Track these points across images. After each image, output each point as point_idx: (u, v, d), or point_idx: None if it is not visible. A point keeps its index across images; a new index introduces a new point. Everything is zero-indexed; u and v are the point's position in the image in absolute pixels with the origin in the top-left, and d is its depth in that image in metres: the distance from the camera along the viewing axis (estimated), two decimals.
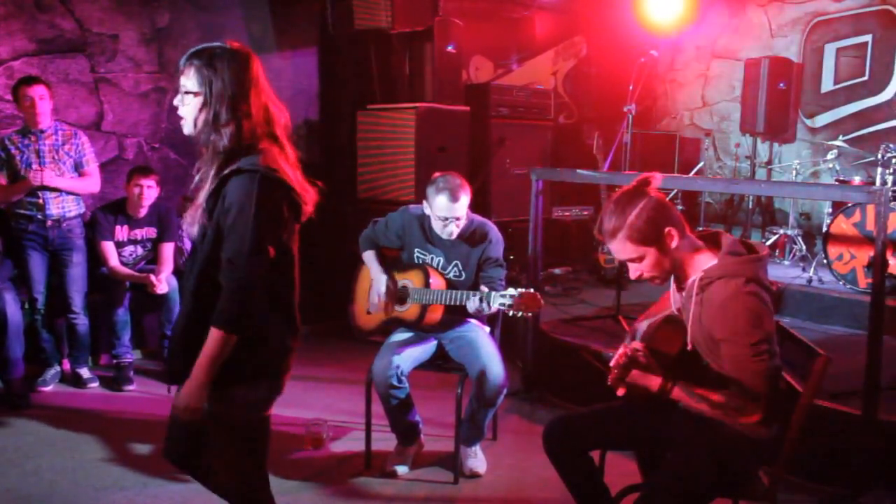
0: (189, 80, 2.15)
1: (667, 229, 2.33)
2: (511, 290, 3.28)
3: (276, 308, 2.23)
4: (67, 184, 4.72)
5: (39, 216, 4.66)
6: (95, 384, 4.91)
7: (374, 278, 3.76)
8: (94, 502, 3.40)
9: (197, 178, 2.20)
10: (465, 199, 3.53)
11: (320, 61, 6.50)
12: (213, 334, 2.10)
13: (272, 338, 2.24)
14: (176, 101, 2.21)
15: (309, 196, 2.25)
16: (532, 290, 3.27)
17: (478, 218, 3.77)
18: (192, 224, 2.19)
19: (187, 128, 2.21)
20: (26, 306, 4.77)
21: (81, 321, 4.87)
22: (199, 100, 2.15)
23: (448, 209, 3.51)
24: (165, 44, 5.67)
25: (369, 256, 3.82)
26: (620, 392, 2.37)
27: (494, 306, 3.33)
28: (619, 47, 7.97)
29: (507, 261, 3.86)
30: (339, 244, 5.77)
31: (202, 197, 2.16)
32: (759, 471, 2.52)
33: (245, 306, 2.10)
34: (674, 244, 2.34)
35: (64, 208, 4.73)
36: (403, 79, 6.25)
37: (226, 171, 2.12)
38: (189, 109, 2.18)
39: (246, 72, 2.16)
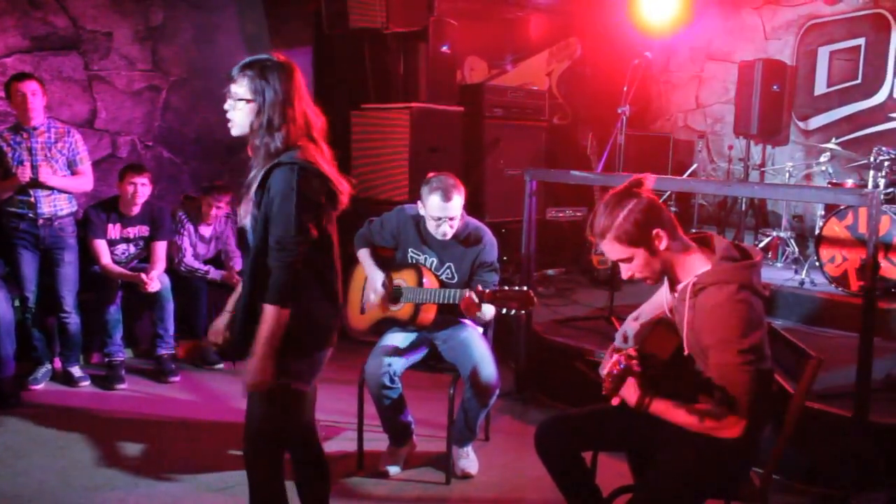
0: (241, 89, 2.42)
1: (655, 231, 2.33)
2: (505, 287, 3.29)
3: (321, 286, 2.50)
4: (60, 182, 4.69)
5: (31, 214, 4.64)
6: (87, 383, 4.89)
7: (368, 276, 3.76)
8: (85, 502, 3.39)
9: (252, 175, 2.45)
10: (458, 199, 3.53)
11: (315, 60, 6.49)
12: (267, 311, 2.35)
13: (318, 313, 2.50)
14: (226, 107, 2.46)
15: (344, 188, 2.50)
16: (525, 288, 3.27)
17: (473, 221, 3.76)
18: (245, 215, 2.47)
19: (237, 130, 2.47)
20: (17, 304, 4.75)
21: (73, 320, 4.85)
22: (252, 106, 2.41)
23: (441, 209, 3.51)
24: (159, 42, 5.66)
25: (364, 255, 3.82)
26: (615, 402, 2.37)
27: (487, 303, 3.32)
28: (613, 49, 7.98)
29: (501, 262, 3.86)
30: None
31: (252, 190, 2.43)
32: (749, 472, 2.52)
33: (292, 282, 2.36)
34: (662, 245, 2.35)
35: (56, 206, 4.71)
36: (398, 79, 6.25)
37: (269, 166, 2.39)
38: (240, 114, 2.44)
39: (292, 81, 2.44)
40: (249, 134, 2.45)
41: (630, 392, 2.35)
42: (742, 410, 2.22)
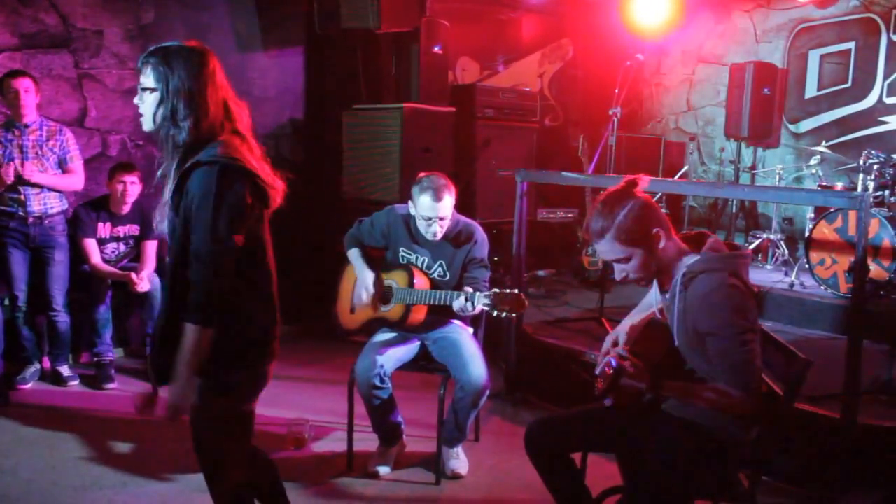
0: (146, 78, 2.22)
1: (655, 230, 2.34)
2: (496, 291, 3.29)
3: (254, 297, 2.28)
4: (49, 180, 4.67)
5: (21, 213, 4.62)
6: (76, 382, 4.87)
7: (358, 275, 3.75)
8: (74, 502, 3.37)
9: (159, 174, 2.25)
10: (448, 199, 3.54)
11: (306, 60, 6.48)
12: (188, 330, 2.13)
13: (252, 327, 2.28)
14: (136, 100, 2.27)
15: (277, 185, 2.30)
16: (516, 291, 3.28)
17: (463, 219, 3.77)
18: (161, 221, 2.26)
19: (146, 124, 2.26)
20: (6, 303, 4.73)
21: (62, 319, 4.83)
22: (156, 95, 2.20)
23: (431, 209, 3.51)
24: (150, 41, 5.61)
25: (354, 254, 3.81)
26: (608, 403, 2.38)
27: (479, 306, 3.33)
28: (605, 50, 7.99)
29: (492, 262, 3.86)
30: (323, 244, 5.76)
31: (167, 193, 2.22)
32: (739, 473, 2.53)
33: (214, 298, 2.13)
34: (661, 245, 2.36)
35: (46, 205, 4.69)
36: (389, 79, 6.25)
37: (186, 165, 2.17)
38: (147, 106, 2.23)
39: (202, 68, 2.22)
40: (153, 126, 2.24)
41: (641, 375, 2.32)
42: (750, 388, 2.24)
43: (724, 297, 2.27)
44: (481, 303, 3.30)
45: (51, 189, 4.70)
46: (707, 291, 2.28)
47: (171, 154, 2.21)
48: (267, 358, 2.34)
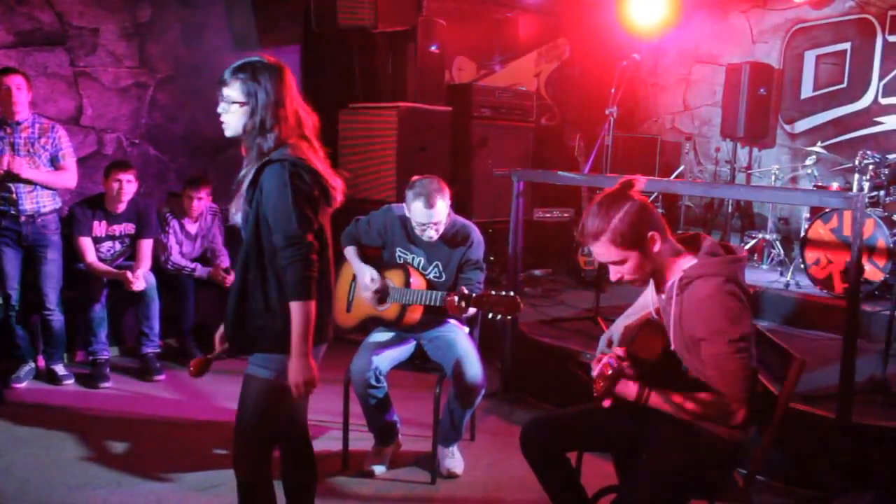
0: (234, 91, 2.45)
1: (650, 234, 2.34)
2: (492, 292, 3.29)
3: (318, 283, 2.46)
4: (40, 176, 4.62)
5: (13, 211, 4.59)
6: (71, 381, 4.85)
7: (357, 272, 3.74)
8: (68, 500, 3.36)
9: (242, 173, 2.48)
10: (441, 204, 3.51)
11: (303, 59, 6.48)
12: (294, 308, 2.36)
13: (314, 308, 2.46)
14: (220, 109, 2.48)
15: (337, 185, 2.53)
16: (512, 294, 3.27)
17: (460, 220, 3.76)
18: (236, 212, 2.51)
19: (231, 132, 2.50)
20: (0, 302, 4.71)
21: (56, 318, 4.81)
22: (245, 109, 2.44)
23: (424, 215, 3.50)
24: (146, 39, 5.63)
25: (350, 252, 3.81)
26: (607, 404, 2.38)
27: (471, 309, 3.32)
28: (601, 50, 7.99)
29: (488, 262, 3.86)
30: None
31: (244, 187, 2.46)
32: (734, 472, 2.54)
33: (312, 274, 2.38)
34: (656, 248, 2.35)
35: (38, 203, 4.66)
36: (386, 78, 6.24)
37: (260, 163, 2.42)
38: (234, 117, 2.47)
39: (283, 82, 2.48)
40: (242, 135, 2.48)
41: (628, 387, 2.35)
42: (740, 397, 2.24)
43: (719, 304, 2.26)
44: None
45: (44, 187, 4.67)
46: (703, 297, 2.28)
47: (256, 158, 2.44)
48: (321, 340, 2.56)
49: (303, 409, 2.74)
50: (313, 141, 2.54)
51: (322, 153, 2.54)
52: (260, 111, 2.42)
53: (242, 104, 2.45)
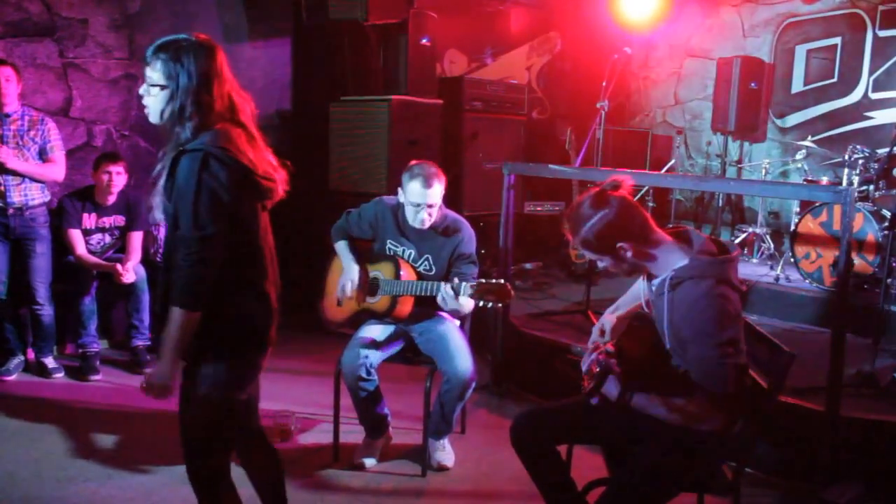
0: (155, 73, 2.22)
1: (619, 244, 2.34)
2: (481, 281, 3.29)
3: (242, 287, 2.30)
4: (28, 168, 4.59)
5: (0, 204, 4.56)
6: (60, 374, 4.84)
7: (344, 267, 3.75)
8: (57, 494, 3.35)
9: (159, 166, 2.26)
10: (438, 186, 3.54)
11: (294, 51, 6.45)
12: (173, 313, 2.17)
13: (242, 318, 2.31)
14: (141, 91, 2.27)
15: (276, 176, 2.32)
16: (502, 281, 3.28)
17: (451, 214, 3.77)
18: (156, 208, 2.28)
19: (153, 118, 2.28)
20: None
21: (46, 311, 4.79)
22: (166, 93, 2.21)
23: (421, 195, 3.51)
24: (136, 30, 5.59)
25: (341, 247, 3.81)
26: (596, 401, 2.39)
27: (463, 296, 3.33)
28: (593, 44, 8.00)
29: (479, 255, 3.86)
30: (310, 236, 5.74)
31: (162, 180, 2.24)
32: (722, 465, 2.55)
33: (198, 283, 2.16)
34: (628, 255, 2.36)
35: (26, 196, 4.63)
36: (377, 71, 6.22)
37: (176, 153, 2.20)
38: (154, 101, 2.24)
39: (211, 64, 2.23)
40: (161, 122, 2.26)
41: (611, 387, 2.36)
42: (720, 404, 2.24)
43: (708, 307, 2.26)
44: (466, 293, 3.30)
45: (32, 180, 4.64)
46: (693, 300, 2.29)
47: (173, 149, 2.22)
48: (256, 350, 2.37)
49: (253, 414, 2.61)
50: (250, 128, 2.31)
51: (260, 141, 2.33)
52: (180, 96, 2.19)
53: (163, 87, 2.21)
